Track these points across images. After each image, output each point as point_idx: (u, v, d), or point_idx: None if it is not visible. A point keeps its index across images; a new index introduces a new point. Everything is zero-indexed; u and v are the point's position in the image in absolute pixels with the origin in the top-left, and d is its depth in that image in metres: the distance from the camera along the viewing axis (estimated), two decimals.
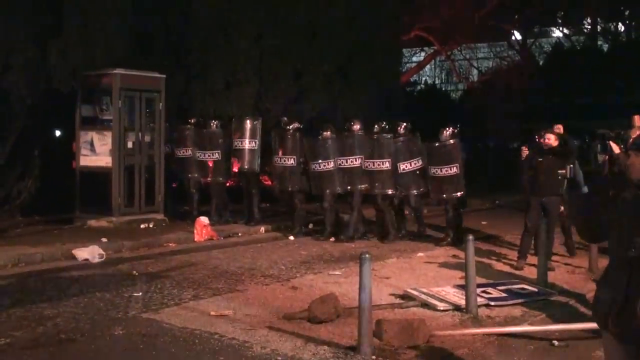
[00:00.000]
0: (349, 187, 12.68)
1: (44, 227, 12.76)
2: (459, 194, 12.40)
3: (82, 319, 7.18)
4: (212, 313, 7.43)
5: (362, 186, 12.58)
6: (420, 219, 13.27)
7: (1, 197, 13.57)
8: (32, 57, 12.62)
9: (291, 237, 12.93)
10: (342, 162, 12.65)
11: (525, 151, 10.58)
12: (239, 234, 13.27)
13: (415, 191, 12.58)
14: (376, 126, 12.77)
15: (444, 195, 12.39)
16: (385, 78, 19.36)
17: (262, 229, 13.69)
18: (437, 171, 12.29)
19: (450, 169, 12.24)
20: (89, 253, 10.39)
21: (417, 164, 12.46)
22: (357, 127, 12.75)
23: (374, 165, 12.50)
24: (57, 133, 16.05)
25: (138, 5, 13.95)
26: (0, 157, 13.54)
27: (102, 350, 6.29)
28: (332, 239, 12.64)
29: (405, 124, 12.75)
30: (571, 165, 9.78)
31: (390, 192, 12.51)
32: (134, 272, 9.67)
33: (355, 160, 12.59)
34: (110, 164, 13.08)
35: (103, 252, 10.54)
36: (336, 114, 16.64)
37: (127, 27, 13.58)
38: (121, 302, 7.95)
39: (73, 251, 10.40)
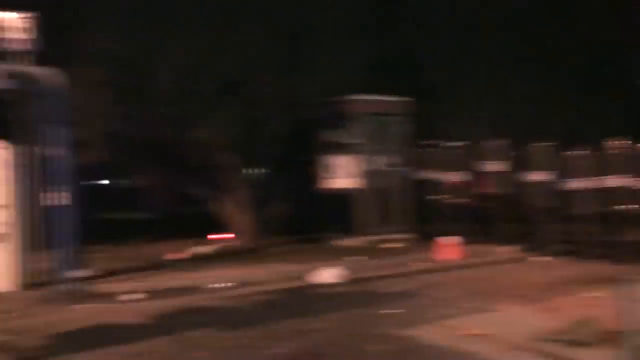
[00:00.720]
0: (612, 207, 12.10)
1: (293, 246, 13.52)
2: None
3: (337, 334, 7.42)
4: (463, 332, 7.32)
5: (629, 206, 11.92)
6: None
7: (260, 219, 14.47)
8: (281, 89, 13.41)
9: (542, 257, 12.50)
10: (604, 182, 12.20)
11: None
12: (486, 254, 13.01)
13: None
14: None
15: None
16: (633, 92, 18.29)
17: (510, 249, 13.33)
18: None
19: None
20: (330, 276, 10.60)
21: None
22: (623, 144, 12.15)
23: None
24: (304, 158, 16.85)
25: (375, 31, 14.37)
26: (261, 184, 14.50)
27: None
28: (609, 261, 11.90)
29: None
30: None
31: None
32: (382, 290, 9.84)
33: (620, 179, 12.04)
34: (355, 186, 13.53)
35: (344, 273, 10.72)
36: (586, 131, 15.89)
37: (366, 53, 14.03)
38: (371, 319, 8.12)
39: (313, 278, 10.57)
